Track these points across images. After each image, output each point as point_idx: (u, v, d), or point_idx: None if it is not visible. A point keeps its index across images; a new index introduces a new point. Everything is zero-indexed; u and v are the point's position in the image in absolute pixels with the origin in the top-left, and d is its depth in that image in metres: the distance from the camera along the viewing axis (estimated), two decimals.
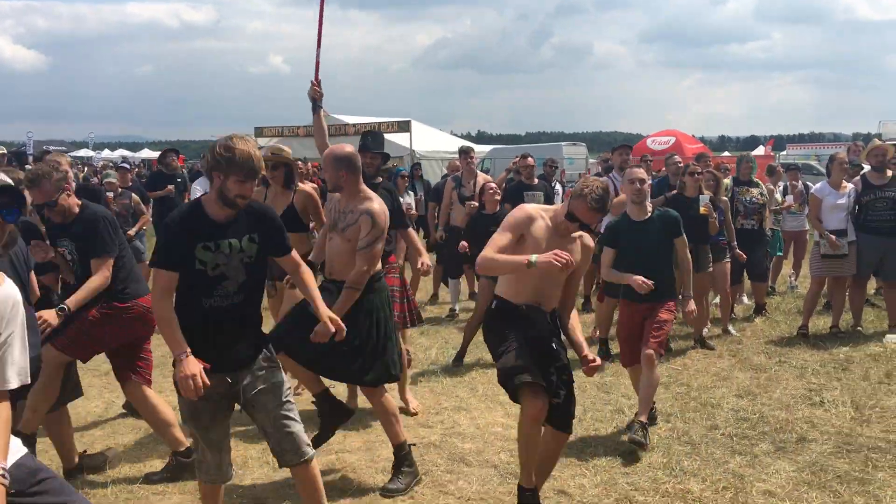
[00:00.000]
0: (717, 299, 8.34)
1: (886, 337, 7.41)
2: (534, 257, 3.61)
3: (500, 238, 3.81)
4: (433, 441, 5.07)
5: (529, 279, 3.83)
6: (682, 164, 8.29)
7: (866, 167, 8.04)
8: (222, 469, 3.50)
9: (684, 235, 5.37)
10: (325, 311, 3.52)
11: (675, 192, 7.34)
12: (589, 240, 4.02)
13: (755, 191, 8.36)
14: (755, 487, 4.27)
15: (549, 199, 8.45)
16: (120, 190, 9.33)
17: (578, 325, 4.11)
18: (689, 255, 5.45)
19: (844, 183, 7.78)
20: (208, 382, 3.11)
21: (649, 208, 5.34)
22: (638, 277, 4.95)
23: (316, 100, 5.07)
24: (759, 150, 34.40)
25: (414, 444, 4.69)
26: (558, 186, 11.23)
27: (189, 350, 3.13)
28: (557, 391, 3.80)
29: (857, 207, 7.71)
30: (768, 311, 8.76)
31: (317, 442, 4.24)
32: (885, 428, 5.15)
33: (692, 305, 5.44)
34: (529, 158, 8.62)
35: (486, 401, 5.89)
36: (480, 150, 25.40)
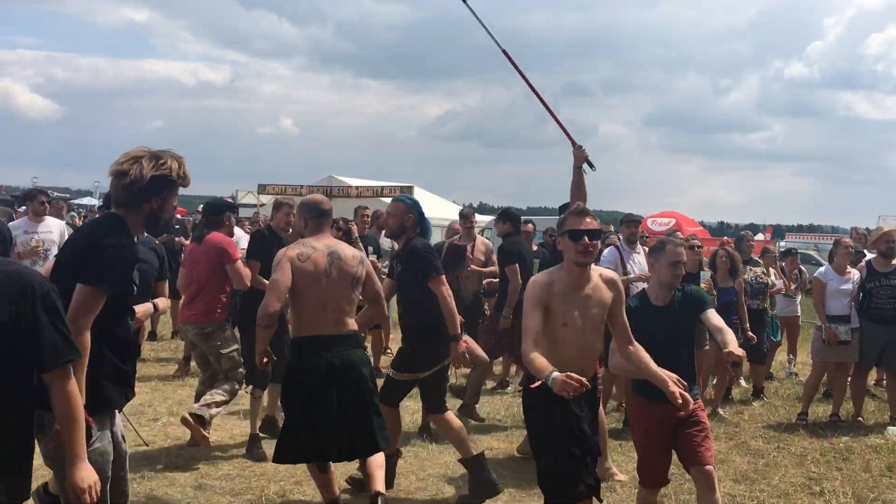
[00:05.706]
0: (716, 380, 8.11)
1: (888, 429, 7.16)
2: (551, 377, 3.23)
3: (530, 319, 3.53)
4: None
5: (566, 344, 3.59)
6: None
7: (870, 255, 7.92)
8: None
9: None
10: None
11: None
12: (609, 272, 3.77)
13: (758, 269, 8.21)
14: None
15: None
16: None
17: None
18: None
19: (849, 268, 7.66)
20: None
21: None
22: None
23: (583, 159, 5.17)
24: (759, 237, 34.36)
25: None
26: None
27: None
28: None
29: (861, 294, 7.57)
30: (766, 395, 8.52)
31: None
32: None
33: None
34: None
35: None
36: (482, 219, 25.51)
